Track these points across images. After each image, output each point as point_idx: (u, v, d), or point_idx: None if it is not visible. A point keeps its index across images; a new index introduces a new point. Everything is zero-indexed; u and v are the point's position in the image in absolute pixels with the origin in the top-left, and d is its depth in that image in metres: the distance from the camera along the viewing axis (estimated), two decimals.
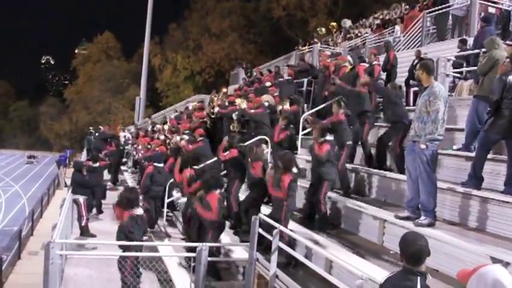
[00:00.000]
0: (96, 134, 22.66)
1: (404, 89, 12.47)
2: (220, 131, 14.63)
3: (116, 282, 8.35)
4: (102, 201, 15.09)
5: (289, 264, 7.27)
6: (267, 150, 10.87)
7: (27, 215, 24.83)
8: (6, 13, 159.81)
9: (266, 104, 13.42)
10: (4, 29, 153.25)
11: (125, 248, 7.54)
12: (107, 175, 18.90)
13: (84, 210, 12.29)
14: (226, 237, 9.37)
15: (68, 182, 14.56)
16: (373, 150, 10.14)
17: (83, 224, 12.23)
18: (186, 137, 13.64)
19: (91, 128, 25.09)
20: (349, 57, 13.04)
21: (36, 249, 18.70)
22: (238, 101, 14.50)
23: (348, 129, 9.53)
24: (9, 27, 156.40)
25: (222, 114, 14.63)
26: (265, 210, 9.07)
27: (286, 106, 12.61)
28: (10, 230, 24.91)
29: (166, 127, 19.27)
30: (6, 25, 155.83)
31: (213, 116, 15.30)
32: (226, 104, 15.60)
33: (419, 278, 3.47)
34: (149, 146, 17.29)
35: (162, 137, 17.79)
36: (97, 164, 14.56)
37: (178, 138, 14.44)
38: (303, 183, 9.45)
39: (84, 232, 12.18)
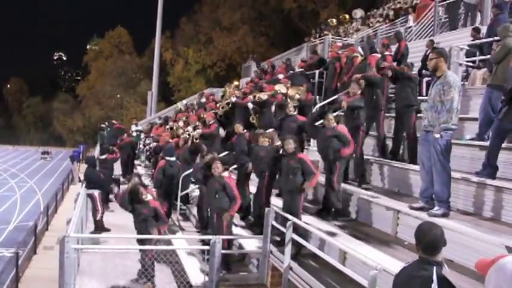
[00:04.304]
0: (108, 129, 22.61)
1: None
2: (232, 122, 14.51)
3: (131, 276, 8.44)
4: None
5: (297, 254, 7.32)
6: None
7: (42, 210, 25.09)
8: (18, 10, 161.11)
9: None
10: (16, 26, 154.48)
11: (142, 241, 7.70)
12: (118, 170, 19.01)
13: (99, 205, 12.34)
14: (238, 228, 9.42)
15: (82, 177, 14.62)
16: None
17: (98, 218, 12.28)
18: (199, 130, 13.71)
19: (106, 123, 25.09)
20: (359, 48, 13.00)
21: (52, 244, 18.90)
22: (277, 87, 14.22)
23: (363, 112, 9.52)
24: (21, 24, 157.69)
25: (238, 104, 14.58)
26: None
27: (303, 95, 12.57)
28: (25, 225, 25.17)
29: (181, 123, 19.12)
30: (19, 22, 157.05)
31: (229, 106, 15.14)
32: (239, 95, 15.63)
33: (435, 267, 3.43)
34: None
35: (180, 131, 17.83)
36: (103, 156, 14.63)
37: (191, 128, 14.48)
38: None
39: (99, 226, 12.24)
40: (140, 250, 8.20)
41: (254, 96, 13.69)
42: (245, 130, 11.13)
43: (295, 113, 10.96)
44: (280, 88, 13.85)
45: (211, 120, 13.81)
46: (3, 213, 29.96)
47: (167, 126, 18.90)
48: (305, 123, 10.41)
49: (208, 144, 12.12)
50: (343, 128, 8.71)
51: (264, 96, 13.05)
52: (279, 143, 9.31)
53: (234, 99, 14.80)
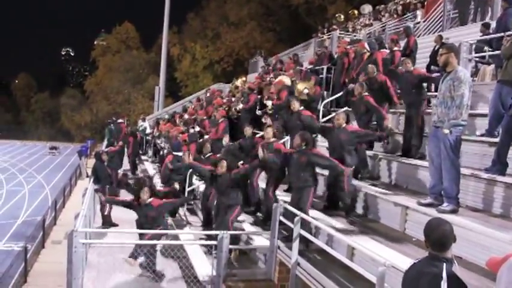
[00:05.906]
0: (112, 126, 22.58)
1: None
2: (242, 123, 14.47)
3: (138, 270, 8.46)
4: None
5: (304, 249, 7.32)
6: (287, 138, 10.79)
7: (50, 205, 25.23)
8: (26, 5, 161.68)
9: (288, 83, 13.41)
10: (24, 21, 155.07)
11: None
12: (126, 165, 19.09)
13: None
14: (247, 224, 9.42)
15: (90, 172, 14.70)
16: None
17: (105, 213, 12.33)
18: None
19: (113, 118, 25.13)
20: (366, 44, 12.93)
21: (60, 239, 19.04)
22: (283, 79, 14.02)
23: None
24: (29, 19, 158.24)
25: (245, 109, 14.57)
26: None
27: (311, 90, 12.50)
28: (34, 219, 25.30)
29: (186, 116, 19.23)
30: (27, 17, 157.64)
31: (239, 114, 15.08)
32: (246, 91, 15.63)
33: (445, 264, 3.41)
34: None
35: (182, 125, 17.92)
36: (106, 149, 14.71)
37: (198, 129, 14.55)
38: (323, 171, 9.40)
39: (107, 221, 12.28)
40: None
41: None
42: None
43: (301, 108, 10.65)
44: (285, 80, 13.74)
45: (221, 118, 13.76)
46: (11, 208, 30.09)
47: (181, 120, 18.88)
48: (308, 118, 10.27)
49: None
50: (352, 127, 8.65)
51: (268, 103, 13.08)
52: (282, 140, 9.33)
53: (240, 106, 14.76)
